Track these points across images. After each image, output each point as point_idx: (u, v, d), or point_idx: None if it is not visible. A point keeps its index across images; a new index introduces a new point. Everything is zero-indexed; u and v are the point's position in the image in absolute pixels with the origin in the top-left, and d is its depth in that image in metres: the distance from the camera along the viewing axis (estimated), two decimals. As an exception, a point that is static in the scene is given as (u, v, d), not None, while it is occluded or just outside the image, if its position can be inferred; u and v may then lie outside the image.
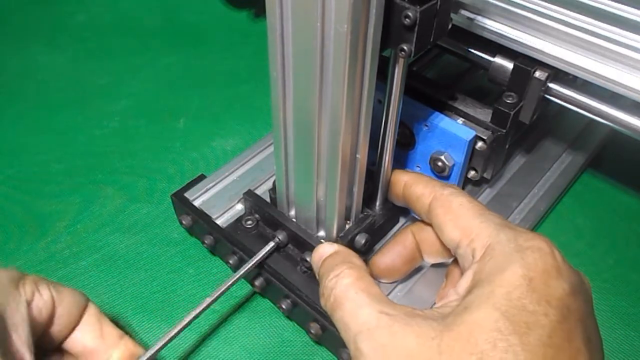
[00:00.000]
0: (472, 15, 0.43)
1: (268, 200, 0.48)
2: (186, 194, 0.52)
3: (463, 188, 0.52)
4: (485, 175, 0.50)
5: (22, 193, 0.58)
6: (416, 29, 0.31)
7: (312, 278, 0.44)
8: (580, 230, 0.55)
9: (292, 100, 0.36)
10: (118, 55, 0.76)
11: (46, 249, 0.53)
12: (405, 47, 0.33)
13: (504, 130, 0.46)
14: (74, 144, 0.63)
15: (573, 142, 0.58)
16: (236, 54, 0.77)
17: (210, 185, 0.53)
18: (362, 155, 0.38)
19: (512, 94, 0.45)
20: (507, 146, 0.48)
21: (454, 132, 0.46)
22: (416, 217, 0.48)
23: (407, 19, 0.31)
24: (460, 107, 0.47)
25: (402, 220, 0.50)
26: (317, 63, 0.32)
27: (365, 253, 0.45)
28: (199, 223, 0.50)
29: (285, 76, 0.35)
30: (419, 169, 0.51)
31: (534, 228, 0.52)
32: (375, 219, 0.45)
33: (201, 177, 0.54)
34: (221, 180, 0.54)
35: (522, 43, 0.42)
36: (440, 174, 0.48)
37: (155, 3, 0.86)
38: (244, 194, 0.48)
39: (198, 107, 0.69)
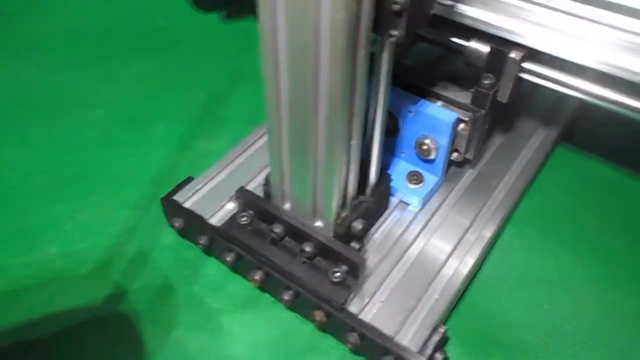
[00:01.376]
0: (450, 2, 0.44)
1: (261, 195, 0.48)
2: (175, 197, 0.52)
3: (447, 171, 0.53)
4: (467, 156, 0.51)
5: (4, 208, 0.57)
6: (405, 14, 0.33)
7: (312, 267, 0.45)
8: (558, 202, 0.57)
9: (287, 92, 0.37)
10: (87, 63, 0.75)
11: (37, 263, 0.52)
12: (394, 33, 0.34)
13: (484, 111, 0.48)
14: (53, 156, 0.62)
15: (545, 119, 0.61)
16: (209, 56, 0.77)
17: (199, 186, 0.53)
18: (357, 141, 0.39)
19: (490, 75, 0.47)
20: (486, 126, 0.50)
21: (437, 116, 0.47)
22: (404, 201, 0.50)
23: (395, 5, 0.32)
24: (441, 92, 0.49)
25: (392, 204, 0.51)
26: (311, 54, 0.33)
27: (362, 238, 0.46)
28: (192, 225, 0.50)
29: (280, 69, 0.36)
30: (404, 155, 0.52)
31: (516, 204, 0.54)
32: (369, 205, 0.46)
33: (189, 179, 0.54)
34: (210, 181, 0.54)
35: (498, 26, 0.44)
36: (426, 157, 0.50)
37: (121, 9, 0.85)
38: (236, 191, 0.49)
39: (176, 110, 0.68)
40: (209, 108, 0.69)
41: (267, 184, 0.47)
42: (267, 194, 0.48)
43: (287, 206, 0.46)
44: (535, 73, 0.47)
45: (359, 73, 0.34)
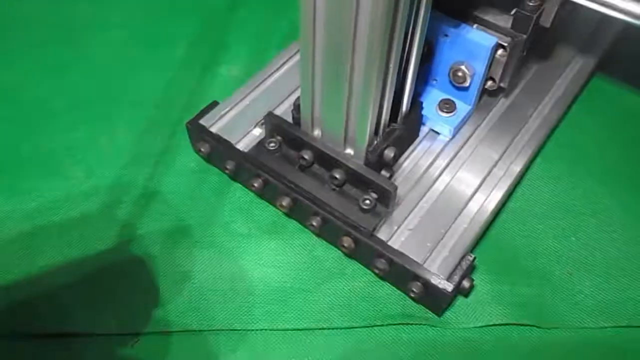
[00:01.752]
0: None
1: (290, 121, 0.47)
2: (201, 121, 0.51)
3: (480, 99, 0.52)
4: (502, 84, 0.50)
5: (27, 131, 0.56)
6: None
7: (341, 194, 0.45)
8: (590, 135, 0.56)
9: (324, 8, 0.35)
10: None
11: (62, 186, 0.52)
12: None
13: (525, 36, 0.45)
14: (71, 79, 0.61)
15: (583, 47, 0.58)
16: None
17: (225, 110, 0.52)
18: (394, 65, 0.37)
19: (534, -3, 0.44)
20: (524, 53, 0.48)
21: (476, 40, 0.45)
22: (435, 130, 0.49)
23: None
24: (480, 15, 0.46)
25: (422, 133, 0.50)
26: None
27: (392, 167, 0.45)
28: (218, 150, 0.50)
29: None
30: (436, 82, 0.51)
31: (548, 136, 0.53)
32: (401, 132, 0.45)
33: (214, 104, 0.53)
34: (236, 105, 0.53)
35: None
36: (460, 85, 0.48)
37: None
38: (265, 116, 0.48)
39: (195, 33, 0.66)
40: (228, 31, 0.66)
41: (296, 109, 0.46)
42: (296, 120, 0.47)
43: (316, 132, 0.46)
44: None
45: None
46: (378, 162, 0.44)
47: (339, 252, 0.47)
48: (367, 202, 0.43)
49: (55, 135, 0.56)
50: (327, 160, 0.45)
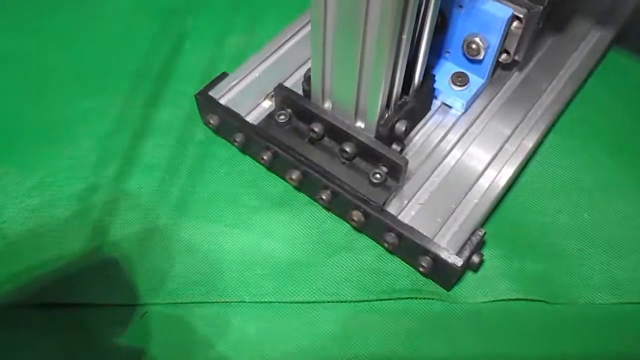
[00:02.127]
0: None
1: (300, 93, 0.47)
2: (211, 93, 0.51)
3: (493, 73, 0.51)
4: (516, 57, 0.49)
5: (37, 101, 0.56)
6: None
7: (351, 168, 0.45)
8: (604, 111, 0.55)
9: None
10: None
11: (70, 157, 0.52)
12: None
13: (542, 7, 0.44)
14: (79, 48, 0.60)
15: (600, 19, 0.57)
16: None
17: (235, 82, 0.52)
18: (408, 36, 0.37)
19: (552, -34, 0.43)
20: (540, 25, 0.47)
21: (491, 11, 0.44)
22: (447, 104, 0.48)
23: None
24: (495, -15, 0.45)
25: (434, 107, 0.50)
26: None
27: (403, 140, 0.45)
28: (228, 122, 0.49)
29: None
30: (448, 54, 0.50)
31: (562, 111, 0.52)
32: (412, 106, 0.44)
33: (223, 75, 0.52)
34: (245, 77, 0.52)
35: None
36: (473, 57, 0.47)
37: None
38: (275, 88, 0.47)
39: (202, 3, 0.65)
40: (235, 2, 0.65)
41: (306, 81, 0.46)
42: (306, 92, 0.46)
43: (327, 105, 0.45)
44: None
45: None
46: (389, 136, 0.43)
47: (348, 225, 0.47)
48: (378, 176, 0.43)
49: (62, 106, 0.55)
50: (337, 134, 0.44)
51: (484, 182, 0.46)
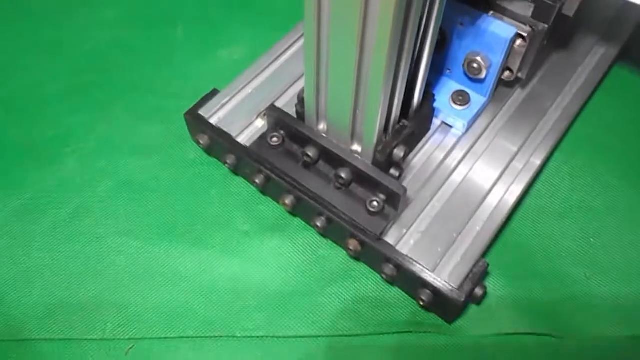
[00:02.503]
0: None
1: (293, 114, 0.45)
2: (200, 112, 0.49)
3: (495, 90, 0.49)
4: (520, 75, 0.46)
5: (20, 117, 0.54)
6: None
7: (347, 194, 0.43)
8: (611, 128, 0.53)
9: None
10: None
11: (55, 177, 0.50)
12: None
13: (547, 26, 0.42)
14: (65, 61, 0.58)
15: (605, 34, 0.55)
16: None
17: (226, 100, 0.49)
18: (407, 58, 0.34)
19: (558, -17, 0.41)
20: (545, 43, 0.45)
21: (493, 30, 0.42)
22: (448, 123, 0.46)
23: None
24: (497, 1, 0.43)
25: (433, 127, 0.47)
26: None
27: (401, 165, 0.43)
28: (219, 142, 0.47)
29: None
30: (449, 72, 0.47)
31: (568, 127, 0.50)
32: (412, 129, 0.42)
33: (214, 92, 0.50)
34: (237, 94, 0.50)
35: None
36: (475, 76, 0.45)
37: None
38: (267, 109, 0.45)
39: (193, 13, 0.63)
40: (229, 11, 0.63)
41: (300, 103, 0.43)
42: (300, 113, 0.44)
43: (322, 127, 0.43)
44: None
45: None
46: (387, 162, 0.41)
47: (345, 251, 0.45)
48: (375, 204, 0.41)
49: (48, 122, 0.53)
50: (332, 158, 0.42)
51: (487, 208, 0.44)
